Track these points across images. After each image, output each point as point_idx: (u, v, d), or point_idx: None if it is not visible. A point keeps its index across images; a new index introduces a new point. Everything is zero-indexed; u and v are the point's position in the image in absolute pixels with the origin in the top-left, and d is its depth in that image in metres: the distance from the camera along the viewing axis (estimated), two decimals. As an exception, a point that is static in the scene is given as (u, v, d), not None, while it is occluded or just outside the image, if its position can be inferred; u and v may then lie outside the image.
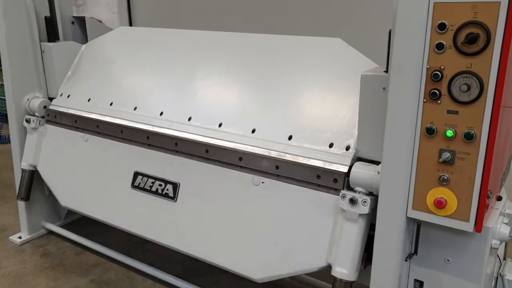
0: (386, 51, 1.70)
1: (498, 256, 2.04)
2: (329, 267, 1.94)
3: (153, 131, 2.53)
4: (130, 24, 5.65)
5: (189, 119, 2.46)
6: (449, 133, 1.51)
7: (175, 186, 2.41)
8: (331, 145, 2.03)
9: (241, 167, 2.21)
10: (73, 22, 3.30)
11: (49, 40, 3.09)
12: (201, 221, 2.32)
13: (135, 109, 2.68)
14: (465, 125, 1.49)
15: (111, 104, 2.80)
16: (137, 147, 2.60)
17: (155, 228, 2.48)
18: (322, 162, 2.01)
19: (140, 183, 2.54)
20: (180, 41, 2.80)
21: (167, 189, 2.43)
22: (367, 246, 1.91)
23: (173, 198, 2.40)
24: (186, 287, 2.68)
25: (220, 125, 2.35)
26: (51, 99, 3.11)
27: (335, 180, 1.95)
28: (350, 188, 1.91)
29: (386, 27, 1.66)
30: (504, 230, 1.73)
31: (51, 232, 3.39)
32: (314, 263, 1.98)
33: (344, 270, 1.88)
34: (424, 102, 1.54)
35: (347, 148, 1.99)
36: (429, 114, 1.54)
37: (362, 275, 1.93)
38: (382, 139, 1.64)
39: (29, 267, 3.02)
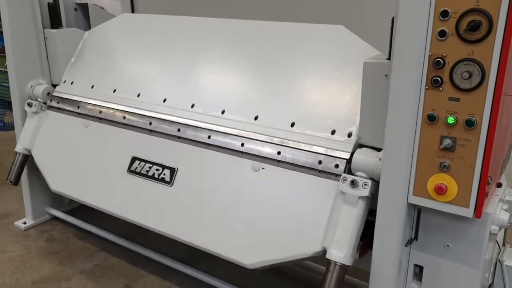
0: (389, 39, 1.70)
1: (497, 242, 2.07)
2: (324, 254, 1.91)
3: (156, 117, 2.54)
4: (132, 11, 5.63)
5: (192, 106, 2.47)
6: (450, 120, 1.53)
7: (173, 171, 2.39)
8: (333, 132, 2.05)
9: (242, 153, 2.23)
10: (76, 9, 3.30)
11: (52, 27, 3.09)
12: (194, 206, 2.29)
13: (138, 95, 2.70)
14: (466, 112, 1.51)
15: (114, 91, 2.81)
16: (139, 133, 2.60)
17: (145, 212, 2.44)
18: (324, 148, 2.02)
19: (136, 167, 2.51)
20: (183, 28, 2.81)
21: (164, 174, 2.41)
22: (366, 233, 1.91)
23: (169, 182, 2.38)
24: (190, 272, 2.71)
25: (223, 112, 2.37)
26: (54, 85, 3.12)
27: (337, 166, 1.97)
28: (351, 174, 1.92)
29: (389, 14, 1.66)
30: (504, 216, 1.75)
31: (55, 218, 3.42)
32: (309, 248, 1.94)
33: (340, 252, 1.85)
34: (425, 89, 1.55)
35: (349, 135, 2.00)
36: (431, 101, 1.55)
37: (363, 260, 1.95)
38: (384, 126, 1.66)
39: (34, 252, 3.05)
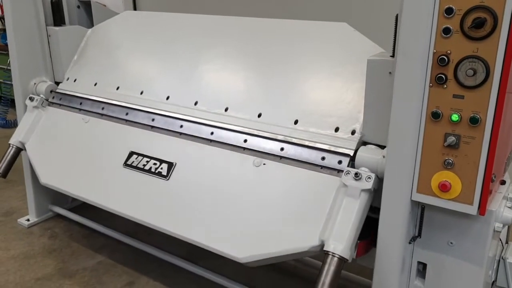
0: (393, 36, 1.70)
1: (500, 239, 2.06)
2: (322, 250, 1.83)
3: (159, 113, 2.54)
4: (135, 8, 5.62)
5: (195, 103, 2.48)
6: (455, 117, 1.53)
7: (171, 165, 2.36)
8: (337, 130, 2.05)
9: (245, 148, 2.22)
10: (78, 6, 3.30)
11: (55, 24, 3.09)
12: (189, 200, 2.25)
13: (141, 93, 2.70)
14: (470, 109, 1.51)
15: (117, 89, 2.81)
16: (140, 129, 2.60)
17: (138, 206, 2.38)
18: (328, 146, 2.03)
19: (133, 161, 2.48)
20: (186, 25, 2.80)
21: (161, 168, 2.38)
22: (369, 230, 1.90)
23: (166, 176, 2.35)
24: (193, 269, 2.72)
25: (226, 109, 2.37)
26: (57, 83, 3.13)
27: (340, 162, 1.97)
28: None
29: (393, 11, 1.66)
30: (507, 214, 1.76)
31: (58, 215, 3.43)
32: (306, 242, 1.87)
33: (340, 244, 1.77)
34: (430, 86, 1.55)
35: (353, 133, 2.00)
36: (435, 99, 1.55)
37: (367, 258, 1.95)
38: (388, 123, 1.66)
39: (37, 249, 3.06)
